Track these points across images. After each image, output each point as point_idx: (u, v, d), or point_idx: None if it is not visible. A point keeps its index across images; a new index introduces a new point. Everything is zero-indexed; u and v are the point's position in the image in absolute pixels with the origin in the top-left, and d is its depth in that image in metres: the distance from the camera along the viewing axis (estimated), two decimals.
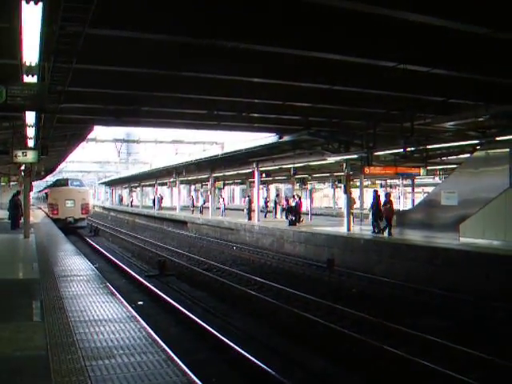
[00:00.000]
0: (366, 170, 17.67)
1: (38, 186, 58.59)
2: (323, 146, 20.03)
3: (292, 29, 7.64)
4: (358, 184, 31.51)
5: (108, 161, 62.91)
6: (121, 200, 73.85)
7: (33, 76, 6.72)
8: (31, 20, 5.01)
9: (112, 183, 68.72)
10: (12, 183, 30.25)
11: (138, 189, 60.85)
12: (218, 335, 8.19)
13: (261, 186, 35.93)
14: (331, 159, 20.46)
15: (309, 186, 41.29)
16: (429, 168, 25.35)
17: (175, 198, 44.27)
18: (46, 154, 16.33)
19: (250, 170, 28.52)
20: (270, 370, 6.59)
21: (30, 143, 13.47)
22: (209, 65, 9.27)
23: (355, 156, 18.46)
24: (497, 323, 9.45)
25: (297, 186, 34.34)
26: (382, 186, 44.46)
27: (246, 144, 23.06)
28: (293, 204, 24.13)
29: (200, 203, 39.70)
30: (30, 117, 10.42)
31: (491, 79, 10.73)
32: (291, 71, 9.95)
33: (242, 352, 7.32)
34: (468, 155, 19.22)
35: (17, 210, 20.45)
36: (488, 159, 15.24)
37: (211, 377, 6.45)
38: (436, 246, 14.26)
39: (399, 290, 12.66)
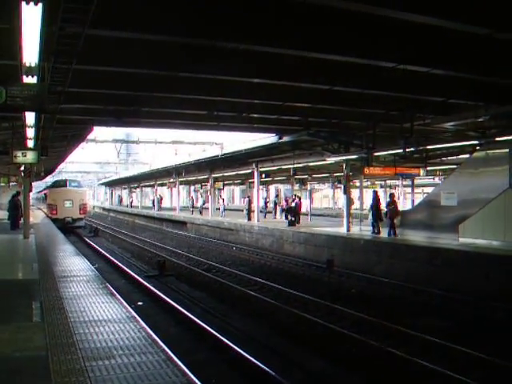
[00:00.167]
0: (366, 170, 17.66)
1: (38, 186, 58.61)
2: (323, 147, 20.04)
3: (292, 29, 7.64)
4: (357, 184, 31.56)
5: (108, 161, 62.81)
6: (120, 201, 73.82)
7: (32, 77, 6.71)
8: (31, 21, 5.00)
9: (111, 184, 68.71)
10: (12, 184, 30.26)
11: (138, 189, 60.84)
12: (218, 335, 8.19)
13: (260, 187, 35.92)
14: (331, 160, 20.46)
15: (308, 187, 41.30)
16: (428, 168, 25.31)
17: (175, 199, 44.27)
18: (45, 155, 16.34)
19: (250, 171, 28.54)
20: (269, 370, 6.59)
21: (30, 144, 13.46)
22: (209, 65, 9.27)
23: (355, 156, 18.46)
24: (497, 323, 9.45)
25: (296, 186, 34.32)
26: (381, 186, 44.44)
27: (246, 144, 23.07)
28: (292, 205, 24.13)
29: (199, 204, 39.67)
30: (30, 117, 10.41)
31: (491, 79, 10.74)
32: (291, 72, 9.95)
33: (242, 352, 7.32)
34: (467, 156, 19.21)
35: (16, 210, 20.44)
36: (487, 160, 15.22)
37: (211, 377, 6.45)
38: (435, 247, 14.27)
39: (399, 290, 12.66)
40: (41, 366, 4.36)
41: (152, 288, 12.50)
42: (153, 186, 52.36)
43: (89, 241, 25.25)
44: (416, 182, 38.20)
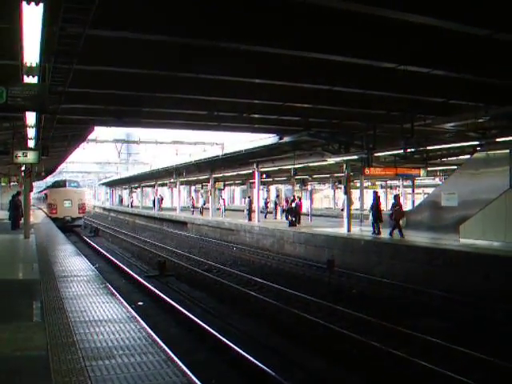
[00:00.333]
0: (366, 170, 17.67)
1: (39, 186, 58.63)
2: (323, 147, 20.05)
3: (292, 30, 7.64)
4: (358, 185, 31.51)
5: (108, 161, 62.85)
6: (121, 201, 73.86)
7: (33, 77, 6.72)
8: (32, 21, 5.02)
9: (112, 184, 68.73)
10: (12, 184, 30.30)
11: (138, 189, 60.85)
12: (218, 336, 8.19)
13: (261, 187, 35.93)
14: (331, 160, 20.46)
15: (309, 187, 41.31)
16: (429, 169, 25.34)
17: (175, 199, 44.27)
18: (46, 155, 16.35)
19: (251, 171, 28.54)
20: (269, 370, 6.60)
21: (31, 144, 13.48)
22: (209, 65, 9.27)
23: (355, 157, 18.46)
24: (497, 324, 9.45)
25: (297, 186, 34.33)
26: (382, 187, 44.46)
27: (246, 145, 23.08)
28: (292, 205, 24.14)
29: (200, 204, 39.68)
30: (31, 117, 10.42)
31: (491, 80, 10.74)
32: (291, 72, 9.95)
33: (242, 353, 7.32)
34: (468, 156, 19.22)
35: (17, 210, 20.45)
36: (488, 160, 15.24)
37: (211, 377, 6.45)
38: (436, 247, 14.27)
39: (399, 290, 12.65)
40: (41, 365, 4.37)
41: (152, 288, 12.51)
42: (153, 186, 52.38)
43: (89, 241, 25.26)
44: (416, 182, 38.23)
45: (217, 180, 35.67)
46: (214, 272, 15.73)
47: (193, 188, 58.92)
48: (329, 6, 6.79)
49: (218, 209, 34.77)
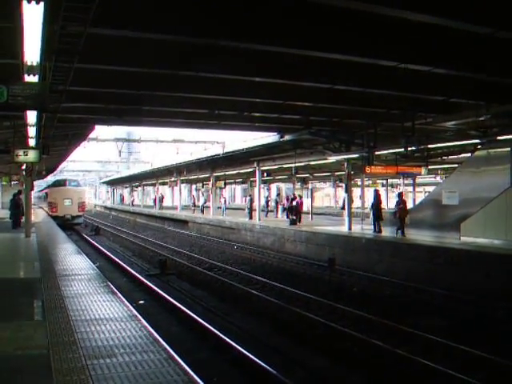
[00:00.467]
0: (367, 169, 17.66)
1: (39, 185, 58.71)
2: (324, 146, 20.03)
3: (293, 28, 7.63)
4: (359, 183, 31.51)
5: (109, 160, 62.85)
6: (122, 199, 73.90)
7: (34, 75, 6.72)
8: (32, 19, 5.02)
9: (113, 182, 68.77)
10: (13, 182, 30.33)
11: (139, 188, 60.88)
12: (219, 334, 8.20)
13: (262, 186, 35.92)
14: (332, 158, 20.46)
15: (310, 186, 41.28)
16: (430, 167, 25.30)
17: (176, 198, 44.27)
18: (47, 154, 16.33)
19: (251, 170, 28.54)
20: (270, 368, 6.60)
21: (31, 142, 13.48)
22: (210, 64, 9.27)
23: (356, 155, 18.46)
24: (498, 322, 9.45)
25: (298, 185, 34.30)
26: (383, 185, 44.42)
27: (247, 143, 23.08)
28: (293, 203, 24.13)
29: (201, 202, 39.68)
30: (31, 116, 10.43)
31: (492, 79, 10.73)
32: (292, 70, 9.94)
33: (243, 351, 7.33)
34: (469, 154, 19.19)
35: (18, 209, 20.47)
36: (489, 158, 15.20)
37: (212, 376, 6.46)
38: (437, 246, 14.27)
39: (400, 289, 12.65)
40: (42, 364, 4.37)
41: (153, 287, 12.52)
42: (154, 184, 52.41)
43: (90, 239, 25.28)
44: (417, 180, 38.18)
45: (218, 179, 35.67)
46: (215, 271, 15.74)
47: (194, 187, 58.94)
48: (329, 4, 6.78)
49: (219, 207, 34.76)
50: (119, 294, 7.60)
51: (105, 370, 4.22)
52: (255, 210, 27.71)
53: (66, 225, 29.93)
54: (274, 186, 57.60)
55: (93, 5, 5.44)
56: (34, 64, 6.34)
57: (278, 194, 39.70)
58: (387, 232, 17.52)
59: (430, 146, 17.96)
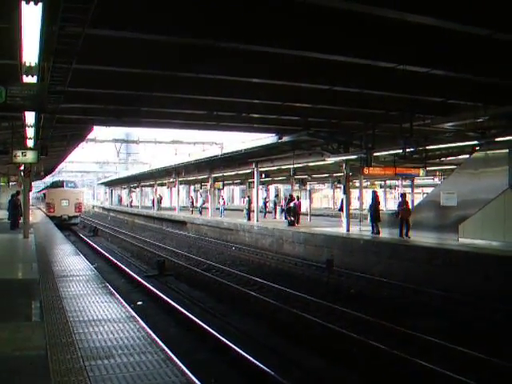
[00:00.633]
0: (366, 170, 17.67)
1: (38, 186, 58.62)
2: (322, 147, 20.05)
3: (292, 29, 7.65)
4: (357, 185, 31.54)
5: (107, 161, 62.88)
6: (120, 200, 73.80)
7: (32, 76, 6.72)
8: (31, 20, 5.01)
9: (111, 183, 68.67)
10: (11, 183, 30.30)
11: (138, 189, 60.82)
12: (217, 335, 8.19)
13: (260, 187, 35.92)
14: (330, 160, 20.46)
15: (308, 187, 41.28)
16: (428, 169, 25.31)
17: (174, 199, 44.26)
18: (45, 155, 16.33)
19: (250, 171, 28.55)
20: (268, 369, 6.60)
21: (30, 143, 13.46)
22: (208, 65, 9.28)
23: (354, 157, 18.47)
24: (496, 324, 9.45)
25: (296, 186, 34.31)
26: (381, 186, 44.45)
27: (246, 144, 23.09)
28: (291, 205, 24.13)
29: (199, 203, 39.64)
30: (30, 117, 10.41)
31: (490, 80, 10.76)
32: (291, 72, 9.96)
33: (241, 352, 7.32)
34: (467, 156, 19.22)
35: (16, 210, 20.44)
36: (487, 160, 15.23)
37: (210, 377, 6.45)
38: (435, 247, 14.28)
39: (398, 290, 12.65)
40: (40, 365, 4.36)
41: (151, 288, 12.51)
42: (152, 185, 52.37)
43: (88, 240, 25.26)
44: (416, 182, 38.23)
45: (216, 180, 35.66)
46: (213, 272, 15.72)
47: (192, 188, 58.92)
48: (328, 5, 6.80)
49: (217, 208, 34.74)
50: (117, 295, 7.58)
51: (103, 371, 4.21)
52: (253, 211, 27.71)
53: (63, 225, 30.69)
54: (272, 187, 57.59)
55: (91, 5, 5.44)
56: (33, 65, 6.33)
57: (277, 195, 39.72)
58: (385, 233, 17.51)
59: (428, 147, 17.98)
